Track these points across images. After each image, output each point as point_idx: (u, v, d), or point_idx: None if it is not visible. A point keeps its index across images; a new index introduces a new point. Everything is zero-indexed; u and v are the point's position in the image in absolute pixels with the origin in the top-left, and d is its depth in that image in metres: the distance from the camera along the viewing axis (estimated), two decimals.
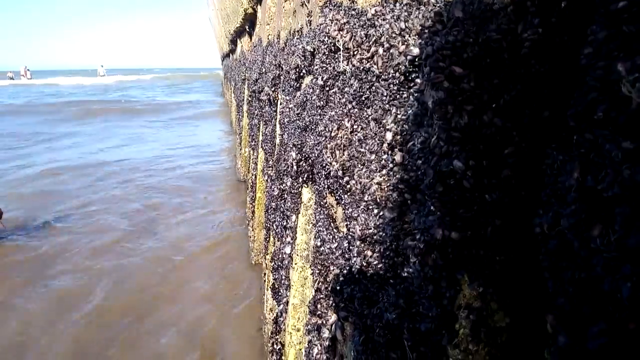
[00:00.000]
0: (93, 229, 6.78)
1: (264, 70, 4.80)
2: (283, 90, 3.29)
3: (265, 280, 4.12)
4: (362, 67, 1.51)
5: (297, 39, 2.87)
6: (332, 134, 1.65)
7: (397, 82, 1.35)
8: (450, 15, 0.97)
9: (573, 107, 0.69)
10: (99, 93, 34.23)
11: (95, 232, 6.65)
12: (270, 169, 3.90)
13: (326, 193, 1.82)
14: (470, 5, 0.92)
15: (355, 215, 1.46)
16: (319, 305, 1.83)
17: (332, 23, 1.66)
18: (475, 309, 0.89)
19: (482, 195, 0.89)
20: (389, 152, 1.35)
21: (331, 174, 1.67)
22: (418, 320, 1.07)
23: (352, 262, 1.46)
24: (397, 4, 1.38)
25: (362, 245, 1.41)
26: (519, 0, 0.84)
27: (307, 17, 2.57)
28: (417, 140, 1.11)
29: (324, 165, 1.75)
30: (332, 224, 1.80)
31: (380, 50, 1.43)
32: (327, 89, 1.82)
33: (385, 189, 1.33)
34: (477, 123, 0.89)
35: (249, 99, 6.56)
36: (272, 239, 3.61)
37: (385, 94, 1.38)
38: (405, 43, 1.32)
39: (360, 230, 1.41)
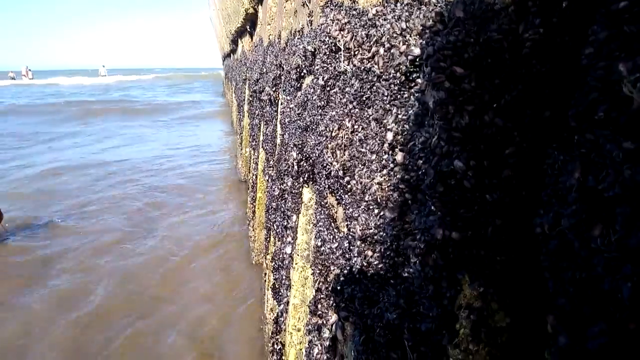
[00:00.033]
0: (94, 229, 6.79)
1: (264, 70, 4.80)
2: (284, 90, 3.29)
3: (265, 280, 4.12)
4: (363, 67, 1.51)
5: (298, 38, 2.87)
6: (333, 134, 1.65)
7: (398, 82, 1.35)
8: (451, 15, 0.97)
9: (574, 107, 0.69)
10: (100, 93, 34.25)
11: (95, 232, 6.66)
12: (271, 169, 3.91)
13: (327, 193, 1.82)
14: (471, 5, 0.92)
15: (356, 215, 1.46)
16: (319, 305, 1.83)
17: (333, 23, 1.66)
18: (475, 309, 0.89)
19: (482, 195, 0.89)
20: (390, 152, 1.35)
21: (332, 174, 1.67)
22: (418, 320, 1.07)
23: (353, 262, 1.46)
24: (398, 4, 1.38)
25: (363, 245, 1.41)
26: (520, 0, 0.84)
27: (308, 17, 2.57)
28: (418, 140, 1.11)
29: (324, 165, 1.75)
30: (332, 224, 1.80)
31: (381, 50, 1.43)
32: (328, 89, 1.82)
33: (386, 189, 1.33)
34: (478, 123, 0.89)
35: (250, 99, 6.56)
36: (272, 238, 3.61)
37: (386, 94, 1.38)
38: (406, 43, 1.32)
39: (360, 230, 1.41)
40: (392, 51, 1.37)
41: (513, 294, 0.88)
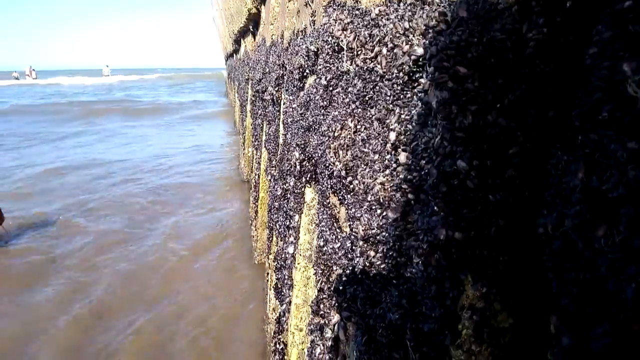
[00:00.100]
0: (96, 228, 6.81)
1: (267, 70, 4.81)
2: (286, 90, 3.29)
3: (267, 280, 4.13)
4: (365, 67, 1.51)
5: (300, 38, 2.88)
6: (336, 134, 1.65)
7: (401, 82, 1.34)
8: (455, 15, 0.97)
9: (578, 107, 0.69)
10: (103, 93, 34.35)
11: (98, 231, 6.68)
12: (274, 168, 3.91)
13: (329, 193, 1.82)
14: (474, 5, 0.92)
15: (358, 215, 1.46)
16: (321, 305, 1.83)
17: (335, 23, 1.66)
18: (478, 309, 0.89)
19: (486, 196, 0.89)
20: (393, 152, 1.35)
21: (334, 174, 1.67)
22: (421, 320, 1.06)
23: (355, 262, 1.46)
24: (401, 4, 1.38)
25: (365, 245, 1.41)
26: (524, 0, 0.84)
27: (311, 17, 2.57)
28: (420, 141, 1.11)
29: (327, 165, 1.75)
30: (335, 224, 1.80)
31: (384, 50, 1.42)
32: (331, 88, 1.82)
33: (389, 189, 1.33)
34: (481, 123, 0.89)
35: (253, 98, 6.57)
36: (275, 238, 3.62)
37: (388, 94, 1.38)
38: (409, 43, 1.32)
39: (363, 230, 1.41)
40: (395, 51, 1.37)
41: (516, 295, 0.88)
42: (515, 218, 0.88)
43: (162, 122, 18.43)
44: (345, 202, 1.61)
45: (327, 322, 1.79)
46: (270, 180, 4.22)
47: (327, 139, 1.75)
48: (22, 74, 58.96)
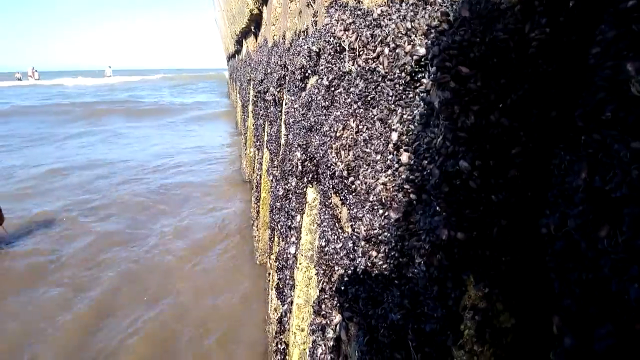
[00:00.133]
0: (98, 227, 6.82)
1: (269, 70, 4.81)
2: (288, 91, 3.30)
3: (269, 280, 4.13)
4: (367, 67, 1.51)
5: (302, 39, 2.88)
6: (338, 134, 1.65)
7: (403, 82, 1.34)
8: (457, 15, 0.97)
9: (581, 107, 0.68)
10: (106, 94, 34.42)
11: (99, 230, 6.69)
12: (275, 169, 3.91)
13: (331, 193, 1.81)
14: (477, 5, 0.92)
15: (360, 215, 1.46)
16: (323, 306, 1.83)
17: (337, 23, 1.66)
18: (480, 309, 0.88)
19: (488, 196, 0.89)
20: (395, 153, 1.35)
21: (336, 174, 1.67)
22: (423, 320, 1.06)
23: (357, 262, 1.46)
24: (404, 4, 1.38)
25: (367, 245, 1.41)
26: None
27: (313, 17, 2.57)
28: (423, 141, 1.11)
29: (329, 165, 1.75)
30: (336, 224, 1.80)
31: (386, 50, 1.42)
32: (333, 89, 1.82)
33: (391, 189, 1.33)
34: (484, 123, 0.89)
35: (254, 99, 6.57)
36: (276, 238, 3.62)
37: (391, 94, 1.38)
38: (412, 43, 1.31)
39: (365, 230, 1.41)
40: (397, 51, 1.37)
41: (518, 295, 0.88)
42: (517, 218, 0.88)
43: (164, 123, 18.46)
44: (347, 203, 1.61)
45: (328, 322, 1.79)
46: (272, 180, 4.22)
47: (329, 139, 1.75)
48: (25, 74, 59.10)
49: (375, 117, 1.47)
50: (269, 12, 5.37)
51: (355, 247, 1.50)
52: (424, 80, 1.23)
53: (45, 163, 11.11)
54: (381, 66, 1.44)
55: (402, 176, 1.27)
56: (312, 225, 2.36)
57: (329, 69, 1.80)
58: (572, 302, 0.65)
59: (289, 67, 3.39)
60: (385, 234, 1.33)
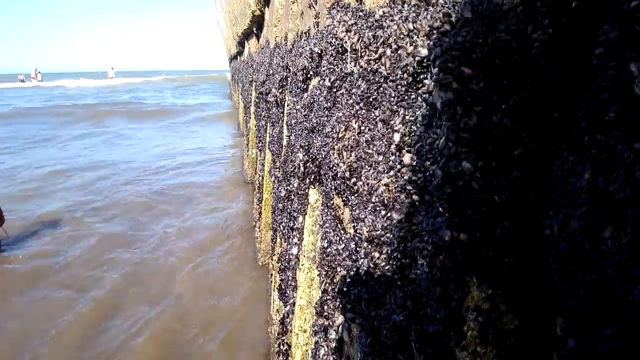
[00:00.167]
0: (100, 229, 6.84)
1: (271, 72, 4.82)
2: (290, 92, 3.30)
3: (271, 281, 4.13)
4: (369, 69, 1.51)
5: (304, 40, 2.88)
6: (340, 135, 1.65)
7: (405, 83, 1.34)
8: (459, 16, 0.97)
9: (584, 108, 0.68)
10: (109, 95, 34.53)
11: (102, 232, 6.71)
12: (277, 170, 3.91)
13: (333, 194, 1.81)
14: (479, 6, 0.92)
15: (363, 216, 1.46)
16: (325, 307, 1.83)
17: (339, 24, 1.66)
18: (483, 311, 0.88)
19: (491, 197, 0.89)
20: (397, 154, 1.35)
21: (338, 175, 1.67)
22: (426, 322, 1.06)
23: (359, 263, 1.46)
24: (405, 5, 1.38)
25: (370, 246, 1.41)
26: (529, 0, 0.84)
27: (315, 18, 2.58)
28: (425, 142, 1.11)
29: (331, 166, 1.75)
30: (339, 225, 1.80)
31: (388, 52, 1.42)
32: (335, 90, 1.82)
33: (393, 190, 1.33)
34: (486, 124, 0.88)
35: (257, 100, 6.58)
36: (279, 240, 3.62)
37: (393, 95, 1.38)
38: (414, 44, 1.32)
39: (367, 231, 1.41)
40: (399, 52, 1.37)
41: (521, 296, 0.88)
42: (520, 219, 0.88)
43: (166, 124, 18.51)
44: (350, 204, 1.61)
45: (331, 323, 1.79)
46: (274, 181, 4.22)
47: (331, 140, 1.75)
48: (28, 76, 59.28)
49: (378, 118, 1.47)
50: (271, 13, 5.38)
51: (358, 248, 1.50)
52: (426, 82, 1.23)
53: (48, 164, 11.16)
54: (383, 67, 1.44)
55: (405, 177, 1.27)
56: (314, 226, 2.36)
57: (331, 70, 1.80)
58: (575, 303, 0.65)
59: (291, 68, 3.40)
60: (388, 235, 1.33)
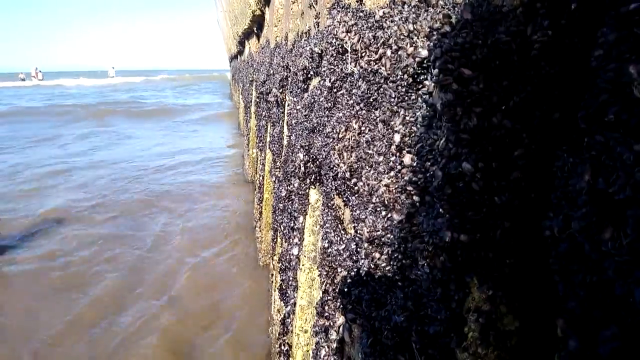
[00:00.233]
0: (99, 228, 6.84)
1: (271, 71, 4.82)
2: (291, 92, 3.30)
3: (272, 282, 4.13)
4: (369, 69, 1.51)
5: (304, 40, 2.88)
6: (340, 136, 1.65)
7: (405, 84, 1.34)
8: (459, 17, 0.97)
9: (584, 109, 0.68)
10: (109, 94, 34.50)
11: (101, 231, 6.71)
12: (278, 170, 3.91)
13: (334, 194, 1.82)
14: (479, 7, 0.92)
15: (363, 217, 1.46)
16: (326, 307, 1.83)
17: (340, 25, 1.66)
18: (484, 312, 0.88)
19: (491, 198, 0.89)
20: (397, 154, 1.35)
21: (339, 176, 1.68)
22: (427, 323, 1.06)
23: (360, 264, 1.46)
24: (405, 6, 1.38)
25: (370, 247, 1.41)
26: (529, 2, 0.84)
27: (315, 18, 2.58)
28: (425, 142, 1.11)
29: (331, 166, 1.75)
30: (339, 225, 1.80)
31: (388, 52, 1.43)
32: (335, 90, 1.82)
33: (394, 191, 1.33)
34: (486, 125, 0.89)
35: (257, 100, 6.58)
36: (279, 240, 3.62)
37: (393, 96, 1.38)
38: (414, 45, 1.32)
39: (368, 232, 1.41)
40: (399, 53, 1.37)
41: (522, 297, 0.88)
42: (521, 220, 0.88)
43: (166, 124, 18.51)
44: (350, 204, 1.61)
45: (332, 323, 1.79)
46: (274, 181, 4.23)
47: (331, 140, 1.75)
48: (29, 75, 59.32)
49: (378, 119, 1.47)
50: (271, 13, 5.38)
51: (358, 249, 1.50)
52: (426, 82, 1.23)
53: (48, 164, 11.16)
54: (383, 68, 1.44)
55: (405, 178, 1.27)
56: (314, 226, 2.36)
57: (331, 70, 1.80)
58: (576, 304, 0.65)
59: (291, 68, 3.40)
60: (388, 235, 1.33)
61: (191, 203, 8.06)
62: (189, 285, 5.18)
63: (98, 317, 4.53)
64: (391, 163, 1.37)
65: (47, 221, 7.06)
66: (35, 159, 11.83)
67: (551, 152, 0.83)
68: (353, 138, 1.59)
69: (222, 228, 6.85)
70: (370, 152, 1.49)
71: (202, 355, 3.98)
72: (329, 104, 1.90)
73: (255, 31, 8.23)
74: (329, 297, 1.82)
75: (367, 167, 1.50)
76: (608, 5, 0.64)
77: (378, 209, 1.38)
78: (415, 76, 1.31)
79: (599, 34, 0.66)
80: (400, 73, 1.36)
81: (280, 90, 4.04)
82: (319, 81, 2.32)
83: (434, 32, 1.07)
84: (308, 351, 2.24)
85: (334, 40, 1.72)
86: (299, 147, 2.61)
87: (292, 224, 2.93)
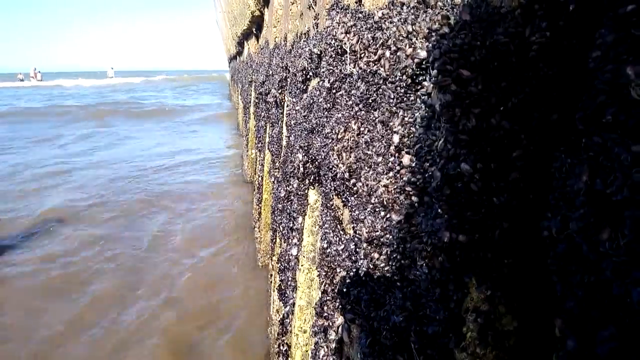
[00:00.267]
0: (98, 228, 6.84)
1: (270, 72, 4.82)
2: (290, 93, 3.30)
3: (271, 282, 4.13)
4: (369, 70, 1.51)
5: (304, 41, 2.88)
6: (339, 136, 1.65)
7: (404, 84, 1.35)
8: (458, 19, 0.97)
9: (581, 110, 0.69)
10: (109, 95, 34.46)
11: (100, 231, 6.71)
12: (277, 170, 3.92)
13: (333, 195, 1.82)
14: (477, 9, 0.92)
15: (362, 217, 1.47)
16: (325, 307, 1.83)
17: (339, 26, 1.67)
18: (483, 312, 0.89)
19: (489, 198, 0.89)
20: (396, 155, 1.35)
21: (338, 176, 1.68)
22: (425, 323, 1.06)
23: (359, 264, 1.46)
24: (405, 7, 1.39)
25: (369, 247, 1.41)
26: (527, 3, 0.84)
27: (314, 19, 2.58)
28: (424, 143, 1.11)
29: (330, 167, 1.76)
30: (338, 226, 1.80)
31: (387, 53, 1.43)
32: (334, 91, 1.82)
33: (392, 191, 1.33)
34: (485, 126, 0.89)
35: (256, 101, 6.58)
36: (278, 240, 3.62)
37: (392, 97, 1.39)
38: (413, 46, 1.32)
39: (367, 232, 1.41)
40: (398, 54, 1.38)
41: (520, 298, 0.88)
42: (519, 221, 0.88)
43: (166, 124, 18.50)
44: (349, 204, 1.61)
45: (331, 324, 1.79)
46: (273, 182, 4.23)
47: (330, 141, 1.76)
48: (27, 75, 59.23)
49: (377, 120, 1.47)
50: (270, 14, 5.39)
51: (357, 249, 1.50)
52: (425, 83, 1.23)
53: (48, 164, 11.16)
54: (382, 69, 1.45)
55: (404, 178, 1.27)
56: (313, 227, 2.37)
57: (331, 71, 1.81)
58: (574, 304, 0.65)
59: (290, 69, 3.40)
60: (387, 236, 1.33)
61: (190, 203, 8.06)
62: (189, 285, 5.18)
63: (98, 317, 4.53)
64: (390, 164, 1.37)
65: (47, 221, 7.05)
66: (35, 159, 11.82)
67: (549, 153, 0.83)
68: (352, 139, 1.60)
69: (221, 228, 6.85)
70: (369, 152, 1.49)
71: (202, 355, 3.98)
72: (328, 105, 1.90)
73: (254, 32, 8.23)
74: (328, 298, 1.82)
75: (366, 168, 1.51)
76: (606, 6, 0.64)
77: (377, 210, 1.39)
78: (414, 77, 1.31)
79: (597, 36, 0.67)
80: (399, 74, 1.36)
81: (280, 91, 4.04)
82: (318, 82, 2.32)
83: (433, 33, 1.08)
84: (307, 351, 2.24)
85: (333, 41, 1.72)
86: (298, 147, 2.61)
87: (291, 225, 2.93)
